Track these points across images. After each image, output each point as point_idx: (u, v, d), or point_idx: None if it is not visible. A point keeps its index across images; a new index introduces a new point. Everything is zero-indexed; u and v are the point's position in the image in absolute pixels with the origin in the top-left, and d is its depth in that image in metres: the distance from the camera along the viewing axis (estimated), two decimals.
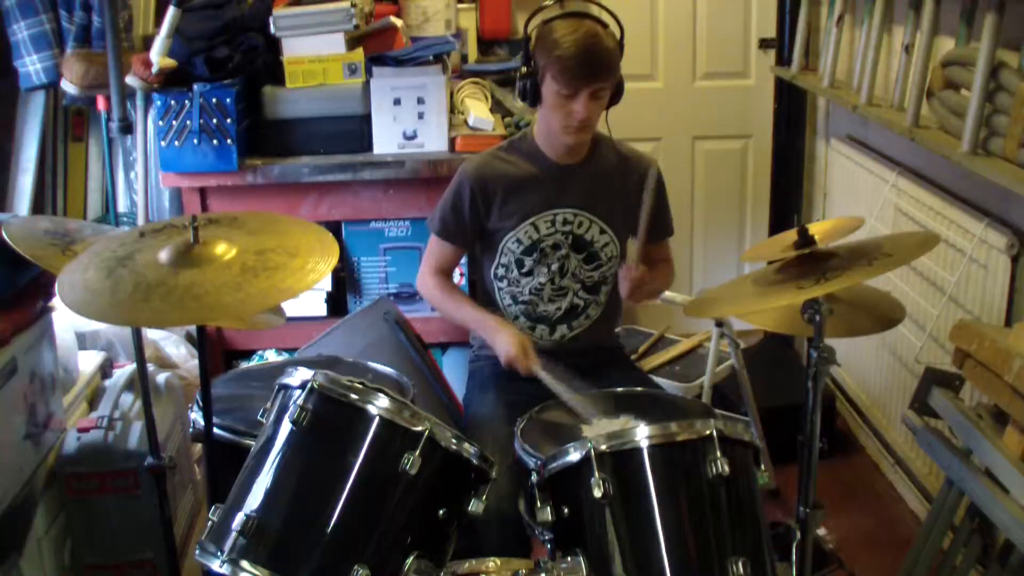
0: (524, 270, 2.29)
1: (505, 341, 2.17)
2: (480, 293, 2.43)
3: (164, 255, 1.73)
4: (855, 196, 3.33)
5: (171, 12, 2.80)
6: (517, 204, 2.26)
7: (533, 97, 2.18)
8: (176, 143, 2.94)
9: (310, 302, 3.18)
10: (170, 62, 2.88)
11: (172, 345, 3.03)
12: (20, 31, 2.95)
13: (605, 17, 2.17)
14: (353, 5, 2.99)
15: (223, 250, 1.75)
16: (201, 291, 1.66)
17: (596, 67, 2.10)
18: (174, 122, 2.93)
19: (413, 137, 3.03)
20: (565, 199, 2.26)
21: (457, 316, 2.33)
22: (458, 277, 3.10)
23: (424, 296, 2.41)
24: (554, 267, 2.29)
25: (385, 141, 3.04)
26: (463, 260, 2.62)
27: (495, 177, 2.26)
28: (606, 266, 2.31)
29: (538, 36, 2.15)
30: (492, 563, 1.66)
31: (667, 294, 2.80)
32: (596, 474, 1.60)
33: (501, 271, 2.32)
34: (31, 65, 2.97)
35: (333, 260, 1.80)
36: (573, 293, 2.32)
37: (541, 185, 2.26)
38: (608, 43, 2.12)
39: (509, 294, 2.33)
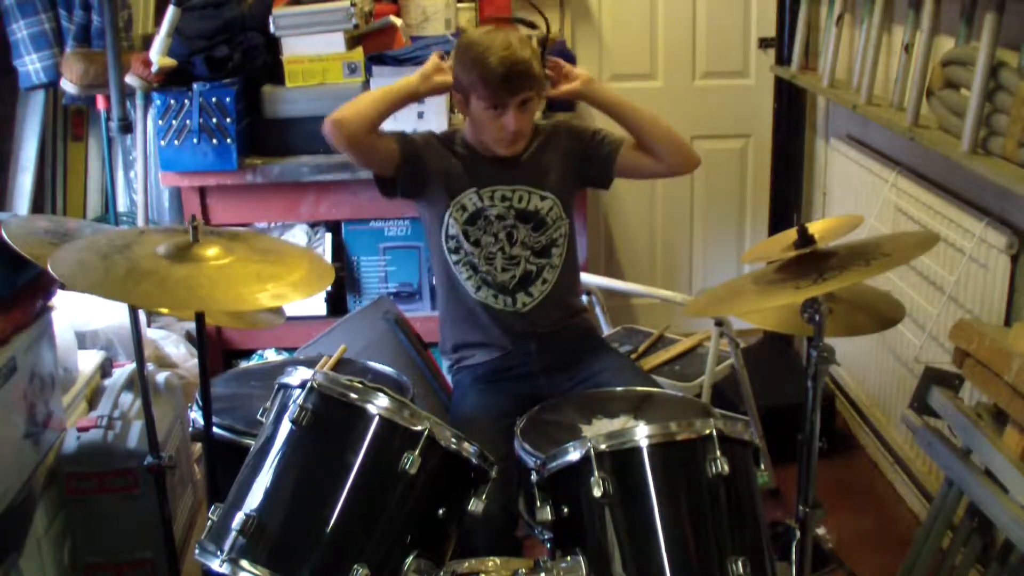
0: (472, 240, 2.30)
1: (418, 72, 2.23)
2: (439, 278, 2.40)
3: (161, 249, 1.74)
4: (855, 195, 3.33)
5: (171, 11, 2.80)
6: (457, 175, 2.29)
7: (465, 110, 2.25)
8: (176, 142, 2.94)
9: (310, 301, 3.18)
10: (170, 61, 2.88)
11: (172, 344, 3.03)
12: (20, 30, 2.95)
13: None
14: (353, 4, 2.99)
15: (219, 254, 1.76)
16: (194, 283, 1.68)
17: (518, 80, 2.13)
18: (174, 121, 2.93)
19: None
20: (501, 179, 2.30)
21: (371, 99, 2.24)
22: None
23: (335, 121, 2.17)
24: (501, 235, 2.30)
25: None
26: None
27: (441, 147, 2.31)
28: (552, 227, 2.33)
29: (458, 51, 2.20)
30: (492, 563, 1.66)
31: (666, 293, 2.80)
32: (596, 473, 1.61)
33: (452, 243, 2.31)
34: (31, 64, 2.97)
35: (327, 282, 1.84)
36: (525, 260, 2.32)
37: (478, 169, 2.29)
38: (525, 52, 2.14)
39: (466, 265, 2.32)
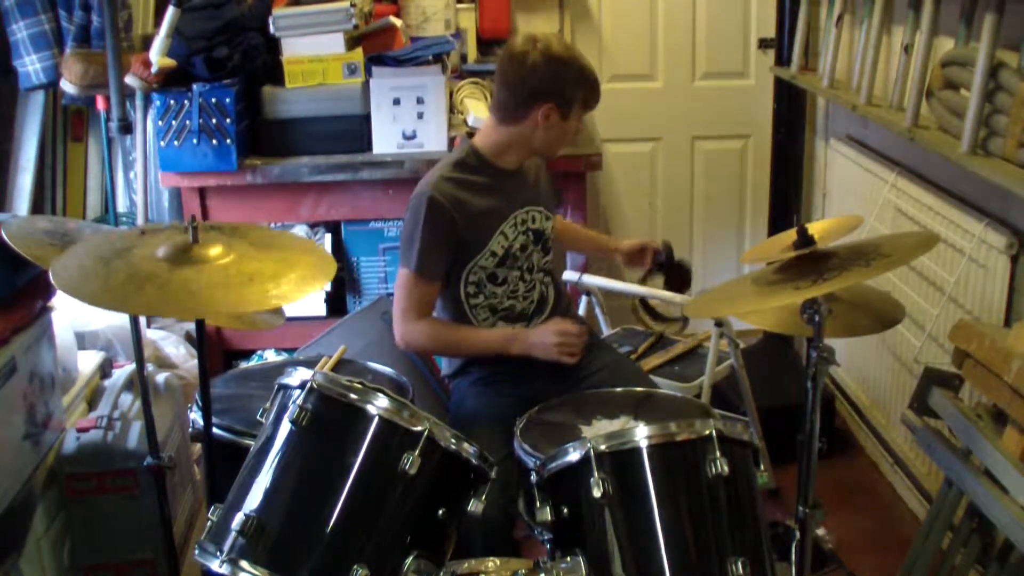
0: (498, 280, 2.29)
1: (541, 341, 2.20)
2: (447, 312, 2.34)
3: (161, 251, 1.74)
4: (854, 196, 3.33)
5: (170, 12, 2.80)
6: (487, 217, 2.25)
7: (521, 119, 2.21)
8: (175, 143, 2.94)
9: (309, 302, 3.18)
10: (169, 62, 2.87)
11: (171, 345, 3.03)
12: (20, 31, 2.95)
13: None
14: (352, 5, 2.99)
15: (220, 253, 1.76)
16: (195, 287, 1.68)
17: None
18: (173, 122, 2.93)
19: (412, 137, 3.03)
20: (517, 200, 2.30)
21: (465, 350, 2.29)
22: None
23: (416, 346, 2.31)
24: (524, 266, 2.31)
25: (384, 141, 3.04)
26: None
27: (463, 194, 2.21)
28: (552, 246, 2.40)
29: (556, 65, 2.15)
30: (492, 563, 1.67)
31: (666, 294, 2.80)
32: (595, 474, 1.61)
33: (472, 289, 2.28)
34: (31, 65, 2.97)
35: (329, 276, 1.83)
36: (539, 283, 2.36)
37: (499, 193, 2.26)
38: None
39: (486, 307, 2.30)
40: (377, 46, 3.12)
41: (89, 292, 1.68)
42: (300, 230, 3.34)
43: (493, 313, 2.31)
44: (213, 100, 2.90)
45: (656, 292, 2.86)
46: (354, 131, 3.05)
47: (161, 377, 2.65)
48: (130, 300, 1.69)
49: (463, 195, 2.20)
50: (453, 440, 1.63)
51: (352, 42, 3.06)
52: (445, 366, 2.44)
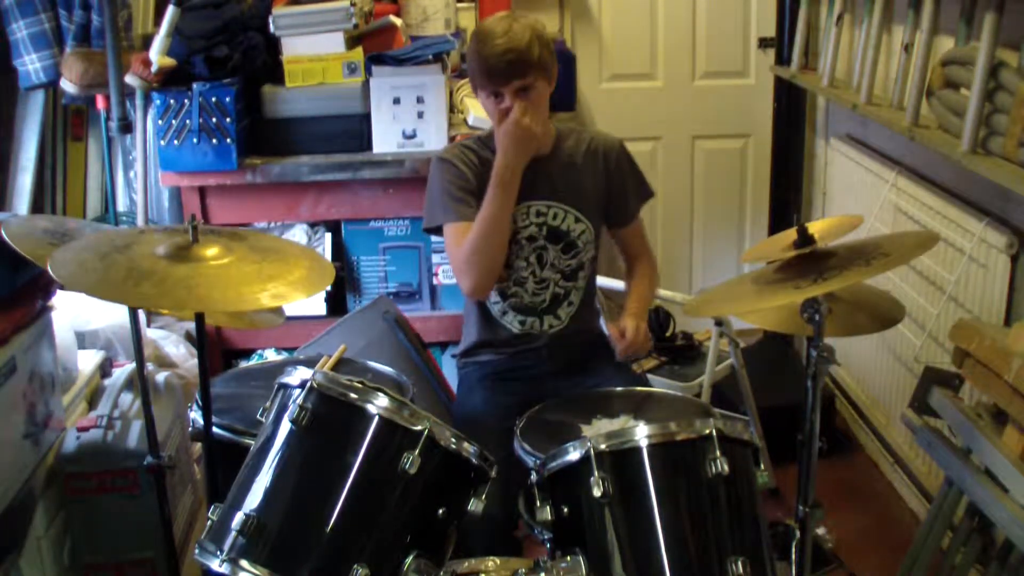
0: (505, 262, 2.27)
1: (503, 143, 2.13)
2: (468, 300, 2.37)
3: (161, 249, 1.75)
4: (854, 195, 3.33)
5: (170, 11, 2.80)
6: None
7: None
8: (175, 142, 2.94)
9: (309, 301, 3.18)
10: (169, 61, 2.88)
11: (171, 344, 3.03)
12: (19, 30, 2.95)
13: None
14: (352, 4, 2.99)
15: (218, 254, 1.77)
16: (193, 283, 1.69)
17: (509, 67, 2.09)
18: (173, 121, 2.93)
19: (413, 136, 3.03)
20: (536, 191, 2.25)
21: (486, 223, 2.16)
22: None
23: (485, 284, 2.22)
24: (531, 259, 2.28)
25: (384, 140, 3.04)
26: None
27: (471, 164, 2.24)
28: (583, 252, 2.31)
29: (470, 45, 2.18)
30: (491, 562, 1.67)
31: (667, 293, 2.81)
32: (596, 473, 1.60)
33: None
34: (30, 64, 2.97)
35: (326, 283, 1.83)
36: (555, 283, 2.31)
37: None
38: (523, 38, 2.09)
39: (496, 290, 2.30)
40: (377, 45, 3.12)
41: (88, 284, 1.68)
42: (300, 229, 3.34)
43: (504, 298, 2.30)
44: (213, 99, 2.90)
45: (656, 291, 2.86)
46: (354, 130, 3.05)
47: (161, 376, 2.65)
48: (128, 293, 1.69)
49: (474, 164, 2.23)
50: (453, 440, 1.62)
51: (352, 41, 3.06)
52: (459, 344, 2.44)
